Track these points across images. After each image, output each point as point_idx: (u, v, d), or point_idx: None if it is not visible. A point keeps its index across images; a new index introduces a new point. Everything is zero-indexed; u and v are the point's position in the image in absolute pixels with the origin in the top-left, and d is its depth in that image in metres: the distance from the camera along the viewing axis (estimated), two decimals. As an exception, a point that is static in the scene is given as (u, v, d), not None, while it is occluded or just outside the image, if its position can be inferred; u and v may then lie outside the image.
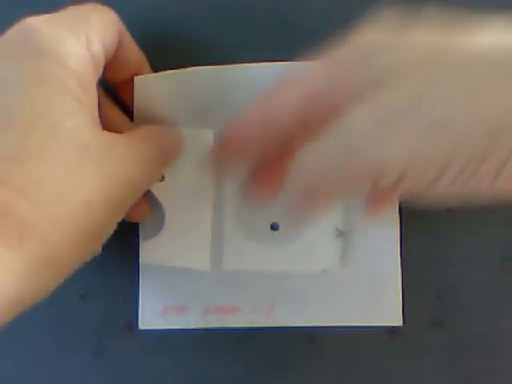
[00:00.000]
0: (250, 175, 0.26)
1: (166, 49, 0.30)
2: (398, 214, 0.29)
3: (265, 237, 0.29)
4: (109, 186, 0.23)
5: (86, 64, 0.23)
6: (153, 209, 0.29)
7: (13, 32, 0.23)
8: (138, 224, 0.29)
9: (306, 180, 0.22)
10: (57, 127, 0.21)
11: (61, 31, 0.23)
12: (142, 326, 0.30)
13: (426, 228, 0.30)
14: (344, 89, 0.21)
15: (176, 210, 0.29)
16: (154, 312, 0.30)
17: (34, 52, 0.22)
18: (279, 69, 0.28)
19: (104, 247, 0.24)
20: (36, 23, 0.23)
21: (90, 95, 0.23)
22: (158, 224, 0.29)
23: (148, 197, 0.28)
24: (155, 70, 0.28)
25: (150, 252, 0.29)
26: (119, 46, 0.25)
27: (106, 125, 0.24)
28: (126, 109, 0.29)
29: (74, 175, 0.21)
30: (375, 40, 0.21)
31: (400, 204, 0.29)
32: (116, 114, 0.28)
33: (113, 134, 0.24)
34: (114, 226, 0.24)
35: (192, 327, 0.30)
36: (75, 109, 0.22)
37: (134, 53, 0.27)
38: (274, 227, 0.29)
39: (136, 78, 0.27)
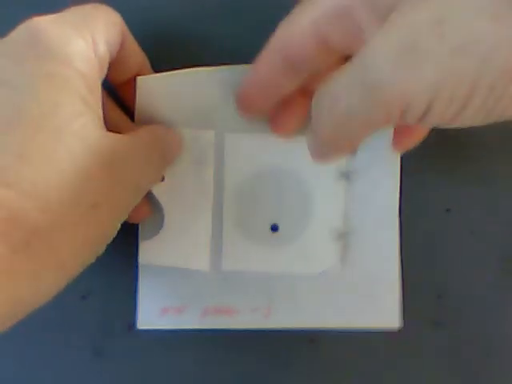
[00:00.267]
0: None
1: (166, 49, 0.30)
2: (397, 217, 0.29)
3: (264, 238, 0.29)
4: (114, 188, 0.23)
5: (91, 64, 0.23)
6: (152, 209, 0.29)
7: (19, 32, 0.23)
8: (137, 224, 0.29)
9: (329, 118, 0.21)
10: (64, 128, 0.21)
11: (67, 31, 0.23)
12: (140, 325, 0.30)
13: (426, 228, 0.30)
14: (361, 7, 0.20)
15: (176, 211, 0.29)
16: (153, 312, 0.30)
17: (41, 52, 0.22)
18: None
19: (105, 248, 0.24)
20: (42, 23, 0.22)
21: (96, 96, 0.23)
22: (158, 224, 0.29)
23: (148, 197, 0.28)
24: (155, 69, 0.28)
25: (150, 252, 0.29)
26: (121, 46, 0.25)
27: (108, 125, 0.24)
28: (126, 109, 0.29)
29: (81, 177, 0.21)
30: None
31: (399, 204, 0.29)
32: (117, 115, 0.28)
33: (117, 135, 0.24)
34: (118, 228, 0.24)
35: (190, 328, 0.30)
36: (82, 109, 0.22)
37: (136, 53, 0.27)
38: (274, 228, 0.29)
39: (138, 79, 0.27)
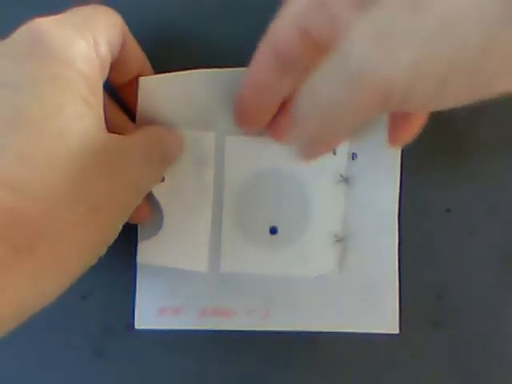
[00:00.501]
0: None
1: (167, 49, 0.30)
2: (396, 222, 0.29)
3: (263, 240, 0.29)
4: (116, 190, 0.23)
5: (93, 66, 0.23)
6: (152, 209, 0.29)
7: (21, 33, 0.23)
8: (137, 224, 0.29)
9: (314, 113, 0.21)
10: (66, 130, 0.21)
11: (69, 33, 0.23)
12: (137, 325, 0.30)
13: (426, 228, 0.30)
14: None
15: (175, 211, 0.29)
16: (151, 312, 0.30)
17: (43, 53, 0.22)
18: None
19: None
20: (44, 24, 0.22)
21: (98, 97, 0.23)
22: (157, 225, 0.29)
23: (148, 198, 0.28)
24: (156, 70, 0.28)
25: (148, 252, 0.29)
26: (122, 47, 0.25)
27: (108, 126, 0.24)
28: (126, 110, 0.29)
29: (82, 179, 0.21)
30: None
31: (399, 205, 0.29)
32: (118, 116, 0.28)
33: (118, 136, 0.24)
34: (120, 229, 0.24)
35: (188, 328, 0.30)
36: (84, 111, 0.22)
37: (137, 54, 0.27)
38: (273, 231, 0.29)
39: (141, 79, 0.27)
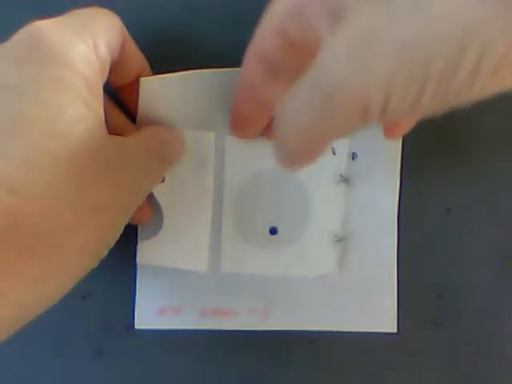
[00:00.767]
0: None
1: (166, 50, 0.30)
2: (395, 222, 0.29)
3: (263, 240, 0.29)
4: (118, 191, 0.23)
5: (93, 68, 0.23)
6: (152, 210, 0.29)
7: (21, 35, 0.22)
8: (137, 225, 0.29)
9: (292, 129, 0.21)
10: (67, 132, 0.21)
11: (69, 35, 0.23)
12: (137, 325, 0.30)
13: (426, 228, 0.30)
14: (313, 3, 0.20)
15: (175, 212, 0.29)
16: (151, 312, 0.30)
17: (43, 56, 0.22)
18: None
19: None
20: (43, 27, 0.22)
21: (98, 99, 0.23)
22: (157, 225, 0.29)
23: (149, 198, 0.28)
24: (155, 70, 0.28)
25: (148, 252, 0.29)
26: (122, 49, 0.25)
27: (109, 127, 0.24)
28: (126, 112, 0.29)
29: (84, 181, 0.21)
30: None
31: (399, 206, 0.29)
32: (118, 117, 0.28)
33: (119, 137, 0.24)
34: (121, 230, 0.24)
35: (188, 328, 0.30)
36: (85, 113, 0.22)
37: (136, 56, 0.27)
38: (273, 231, 0.29)
39: (141, 80, 0.27)
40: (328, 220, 0.29)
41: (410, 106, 0.19)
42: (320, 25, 0.20)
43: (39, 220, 0.20)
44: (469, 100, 0.19)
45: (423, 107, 0.19)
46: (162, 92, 0.27)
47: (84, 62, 0.22)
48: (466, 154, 0.30)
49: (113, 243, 0.24)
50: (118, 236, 0.24)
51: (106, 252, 0.23)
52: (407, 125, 0.26)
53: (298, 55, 0.22)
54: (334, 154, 0.29)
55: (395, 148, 0.29)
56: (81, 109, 0.22)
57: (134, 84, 0.27)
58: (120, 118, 0.28)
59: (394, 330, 0.29)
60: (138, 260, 0.29)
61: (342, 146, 0.29)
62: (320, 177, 0.29)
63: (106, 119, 0.24)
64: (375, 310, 0.29)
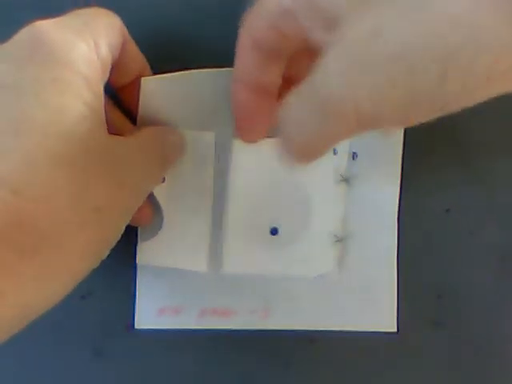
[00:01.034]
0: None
1: (166, 50, 0.30)
2: (395, 222, 0.29)
3: (263, 240, 0.29)
4: (118, 192, 0.23)
5: (95, 68, 0.23)
6: (152, 210, 0.29)
7: (22, 36, 0.22)
8: (137, 225, 0.29)
9: (294, 137, 0.22)
10: (69, 133, 0.21)
11: (70, 35, 0.23)
12: (137, 325, 0.30)
13: (425, 228, 0.30)
14: (303, 12, 0.21)
15: (175, 212, 0.29)
16: (151, 312, 0.30)
17: (44, 56, 0.22)
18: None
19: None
20: (45, 27, 0.22)
21: (99, 99, 0.23)
22: (157, 225, 0.29)
23: (149, 199, 0.28)
24: (155, 70, 0.28)
25: (148, 253, 0.29)
26: (122, 49, 0.25)
27: (109, 128, 0.24)
28: (126, 113, 0.29)
29: (86, 181, 0.21)
30: None
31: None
32: (118, 117, 0.28)
33: (119, 137, 0.24)
34: (122, 230, 0.24)
35: (188, 328, 0.30)
36: (86, 114, 0.22)
37: (136, 56, 0.27)
38: (273, 231, 0.29)
39: (143, 79, 0.27)
40: (328, 220, 0.29)
41: (400, 118, 0.19)
42: (313, 30, 0.20)
43: (41, 220, 0.20)
44: (460, 107, 0.19)
45: (413, 118, 0.19)
46: (162, 92, 0.27)
47: (85, 62, 0.22)
48: (466, 154, 0.30)
49: (114, 243, 0.24)
50: (119, 236, 0.24)
51: (107, 252, 0.23)
52: None
53: (292, 43, 0.23)
54: (335, 153, 0.29)
55: (396, 148, 0.29)
56: (82, 109, 0.22)
57: (134, 84, 0.27)
58: (120, 119, 0.28)
59: (394, 329, 0.29)
60: (137, 260, 0.29)
61: (343, 145, 0.29)
62: (320, 176, 0.29)
63: (106, 119, 0.24)
64: (375, 310, 0.29)
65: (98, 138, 0.22)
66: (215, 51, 0.30)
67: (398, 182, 0.29)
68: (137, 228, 0.29)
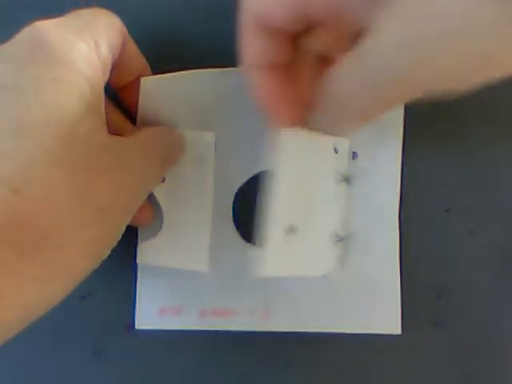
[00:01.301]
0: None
1: (166, 50, 0.30)
2: (397, 222, 0.29)
3: (285, 240, 0.29)
4: (119, 192, 0.23)
5: (95, 68, 0.23)
6: (153, 210, 0.29)
7: (22, 36, 0.23)
8: (137, 225, 0.29)
9: (335, 103, 0.22)
10: (69, 133, 0.21)
11: (70, 35, 0.23)
12: (138, 325, 0.30)
13: (425, 227, 0.30)
14: None
15: (175, 212, 0.29)
16: (151, 312, 0.30)
17: (44, 56, 0.22)
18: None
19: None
20: (45, 27, 0.22)
21: (99, 99, 0.23)
22: (157, 225, 0.29)
23: (149, 199, 0.28)
24: (154, 70, 0.28)
25: (148, 253, 0.29)
26: (122, 49, 0.25)
27: (109, 128, 0.24)
28: (126, 113, 0.29)
29: (86, 181, 0.21)
30: None
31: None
32: (118, 117, 0.28)
33: (119, 137, 0.24)
34: (123, 230, 0.24)
35: (188, 328, 0.30)
36: (87, 114, 0.22)
37: (136, 57, 0.27)
38: (291, 231, 0.29)
39: (142, 79, 0.27)
40: (329, 219, 0.29)
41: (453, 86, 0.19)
42: (355, 7, 0.20)
43: (41, 220, 0.20)
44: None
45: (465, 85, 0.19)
46: (162, 92, 0.27)
47: (85, 62, 0.22)
48: (466, 154, 0.30)
49: (114, 243, 0.24)
50: (120, 236, 0.24)
51: (107, 252, 0.23)
52: None
53: (309, 23, 0.22)
54: (336, 152, 0.29)
55: (396, 147, 0.29)
56: (82, 109, 0.22)
57: (134, 84, 0.27)
58: (120, 119, 0.28)
59: (399, 331, 0.29)
60: (138, 260, 0.29)
61: (343, 144, 0.29)
62: (321, 176, 0.29)
63: (106, 119, 0.24)
64: (378, 312, 0.29)
65: (99, 138, 0.22)
66: (215, 51, 0.30)
67: (399, 181, 0.29)
68: (137, 228, 0.29)
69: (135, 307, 0.30)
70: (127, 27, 0.26)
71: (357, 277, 0.29)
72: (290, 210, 0.28)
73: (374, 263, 0.29)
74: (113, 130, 0.24)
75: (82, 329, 0.30)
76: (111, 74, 0.25)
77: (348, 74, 0.21)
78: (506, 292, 0.29)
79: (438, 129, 0.29)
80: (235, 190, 0.30)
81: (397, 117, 0.29)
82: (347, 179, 0.29)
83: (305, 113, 0.25)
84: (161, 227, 0.29)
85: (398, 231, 0.29)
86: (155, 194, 0.28)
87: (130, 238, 0.29)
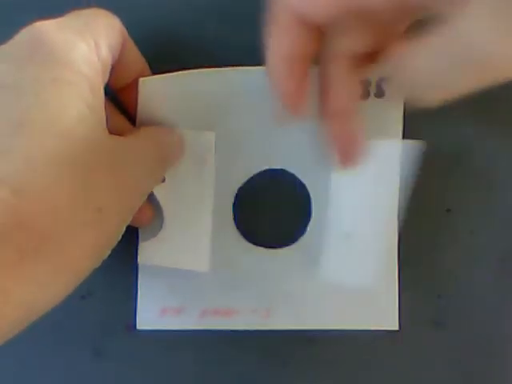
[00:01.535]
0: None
1: (165, 50, 0.30)
2: (396, 221, 0.29)
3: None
4: (119, 192, 0.23)
5: (95, 69, 0.23)
6: (153, 210, 0.29)
7: (22, 36, 0.23)
8: (137, 225, 0.29)
9: (413, 80, 0.22)
10: (69, 132, 0.21)
11: (70, 36, 0.23)
12: (139, 326, 0.30)
13: (425, 228, 0.30)
14: None
15: (176, 212, 0.29)
16: (152, 312, 0.30)
17: (44, 56, 0.22)
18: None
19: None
20: (45, 27, 0.22)
21: (99, 99, 0.23)
22: (158, 225, 0.29)
23: (149, 199, 0.28)
24: (155, 70, 0.28)
25: (149, 252, 0.29)
26: (122, 50, 0.25)
27: (109, 128, 0.24)
28: (126, 114, 0.29)
29: (86, 181, 0.21)
30: None
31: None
32: (118, 118, 0.28)
33: (119, 137, 0.24)
34: (123, 230, 0.24)
35: (189, 328, 0.30)
36: (86, 113, 0.22)
37: (136, 57, 0.27)
38: (347, 236, 0.29)
39: (140, 80, 0.27)
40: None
41: None
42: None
43: (42, 220, 0.20)
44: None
45: None
46: (161, 92, 0.27)
47: (85, 62, 0.23)
48: (466, 154, 0.30)
49: (115, 243, 0.24)
50: (120, 236, 0.24)
51: (108, 252, 0.23)
52: None
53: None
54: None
55: (395, 147, 0.29)
56: (82, 109, 0.22)
57: (134, 85, 0.27)
58: (120, 119, 0.28)
59: (396, 327, 0.29)
60: (139, 260, 0.29)
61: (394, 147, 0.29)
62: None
63: (106, 120, 0.24)
64: (376, 308, 0.29)
65: (98, 138, 0.22)
66: (215, 51, 0.30)
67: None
68: (137, 228, 0.29)
69: (135, 307, 0.30)
70: (127, 27, 0.26)
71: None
72: (348, 216, 0.28)
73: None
74: (113, 130, 0.24)
75: (82, 329, 0.30)
76: (111, 74, 0.25)
77: (437, 51, 0.20)
78: (506, 292, 0.29)
79: (439, 128, 0.29)
80: (235, 190, 0.30)
81: (396, 116, 0.29)
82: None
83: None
84: (161, 227, 0.29)
85: (397, 230, 0.29)
86: (155, 193, 0.28)
87: (131, 238, 0.29)
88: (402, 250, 0.29)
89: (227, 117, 0.29)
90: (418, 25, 0.21)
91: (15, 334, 0.21)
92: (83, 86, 0.22)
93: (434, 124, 0.29)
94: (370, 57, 0.24)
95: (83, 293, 0.30)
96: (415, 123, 0.29)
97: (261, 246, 0.30)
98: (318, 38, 0.24)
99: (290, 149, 0.29)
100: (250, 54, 0.28)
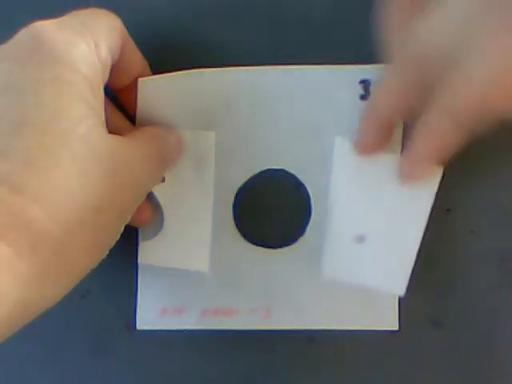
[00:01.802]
0: None
1: (165, 51, 0.30)
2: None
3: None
4: (119, 192, 0.23)
5: (95, 68, 0.23)
6: (153, 210, 0.29)
7: (22, 36, 0.23)
8: (137, 225, 0.29)
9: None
10: (69, 132, 0.21)
11: (70, 36, 0.23)
12: (139, 326, 0.30)
13: (426, 227, 0.30)
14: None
15: (176, 211, 0.29)
16: (152, 312, 0.30)
17: (44, 56, 0.22)
18: (280, 72, 0.28)
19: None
20: (45, 27, 0.22)
21: (99, 99, 0.23)
22: (158, 225, 0.29)
23: (149, 199, 0.28)
24: (155, 71, 0.28)
25: (149, 252, 0.29)
26: (122, 50, 0.25)
27: (109, 128, 0.24)
28: (126, 114, 0.29)
29: (86, 181, 0.21)
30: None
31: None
32: (118, 118, 0.28)
33: (119, 137, 0.24)
34: (122, 230, 0.24)
35: (189, 328, 0.30)
36: (87, 113, 0.22)
37: (136, 58, 0.27)
38: (360, 239, 0.29)
39: (140, 80, 0.27)
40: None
41: None
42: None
43: (41, 220, 0.20)
44: None
45: None
46: (160, 92, 0.27)
47: (85, 62, 0.23)
48: (467, 154, 0.30)
49: (113, 243, 0.24)
50: (119, 236, 0.24)
51: (106, 252, 0.23)
52: None
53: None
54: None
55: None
56: (82, 108, 0.22)
57: (134, 85, 0.27)
58: (120, 119, 0.28)
59: (396, 327, 0.29)
60: (139, 260, 0.29)
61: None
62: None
63: (106, 120, 0.24)
64: (376, 308, 0.29)
65: (99, 137, 0.22)
66: (215, 51, 0.30)
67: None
68: (137, 228, 0.29)
69: (135, 307, 0.30)
70: (127, 27, 0.26)
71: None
72: (359, 218, 0.28)
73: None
74: (113, 130, 0.24)
75: (81, 328, 0.30)
76: (111, 75, 0.25)
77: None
78: (506, 292, 0.29)
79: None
80: (235, 190, 0.30)
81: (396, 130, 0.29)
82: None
83: None
84: (161, 227, 0.29)
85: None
86: (155, 193, 0.28)
87: (131, 238, 0.29)
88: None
89: (227, 117, 0.29)
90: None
91: (12, 332, 0.21)
92: (83, 85, 0.22)
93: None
94: None
95: (83, 292, 0.30)
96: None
97: (261, 246, 0.30)
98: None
99: (290, 149, 0.29)
100: (250, 54, 0.28)
